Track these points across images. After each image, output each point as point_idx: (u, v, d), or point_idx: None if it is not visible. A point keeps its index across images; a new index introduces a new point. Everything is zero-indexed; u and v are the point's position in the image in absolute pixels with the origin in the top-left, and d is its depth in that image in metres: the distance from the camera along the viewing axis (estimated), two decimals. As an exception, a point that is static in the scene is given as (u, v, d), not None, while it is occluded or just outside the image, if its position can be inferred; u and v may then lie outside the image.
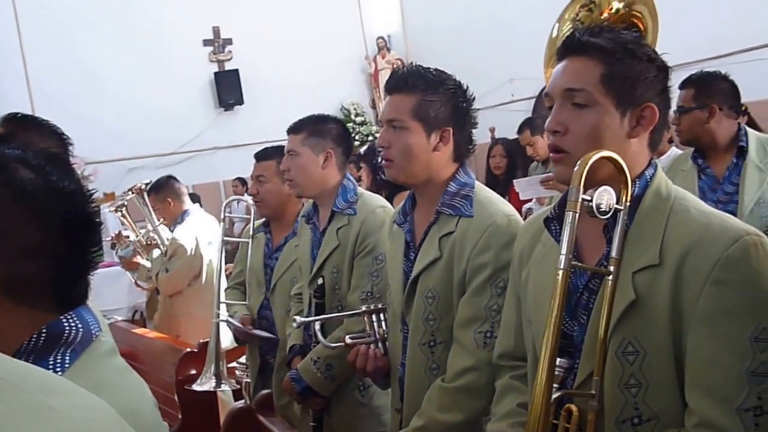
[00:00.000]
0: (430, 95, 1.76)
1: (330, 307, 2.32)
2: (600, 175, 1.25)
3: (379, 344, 1.98)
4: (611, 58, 1.28)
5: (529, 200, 4.16)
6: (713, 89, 2.96)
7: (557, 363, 1.31)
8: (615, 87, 1.28)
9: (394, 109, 1.79)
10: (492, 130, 7.05)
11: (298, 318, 2.16)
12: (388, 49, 10.57)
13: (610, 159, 1.23)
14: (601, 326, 1.23)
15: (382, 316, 2.01)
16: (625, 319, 1.23)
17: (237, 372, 3.36)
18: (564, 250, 1.19)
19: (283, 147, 2.51)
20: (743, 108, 3.14)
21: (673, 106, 3.61)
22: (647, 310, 1.22)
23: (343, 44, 10.40)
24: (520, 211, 3.30)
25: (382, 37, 10.61)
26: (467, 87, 1.84)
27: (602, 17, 3.66)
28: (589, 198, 1.21)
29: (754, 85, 4.60)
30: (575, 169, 1.21)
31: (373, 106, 10.83)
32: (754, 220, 2.62)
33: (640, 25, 3.51)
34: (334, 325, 2.30)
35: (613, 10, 3.60)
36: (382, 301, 2.06)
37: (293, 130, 2.44)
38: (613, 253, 1.25)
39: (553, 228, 1.39)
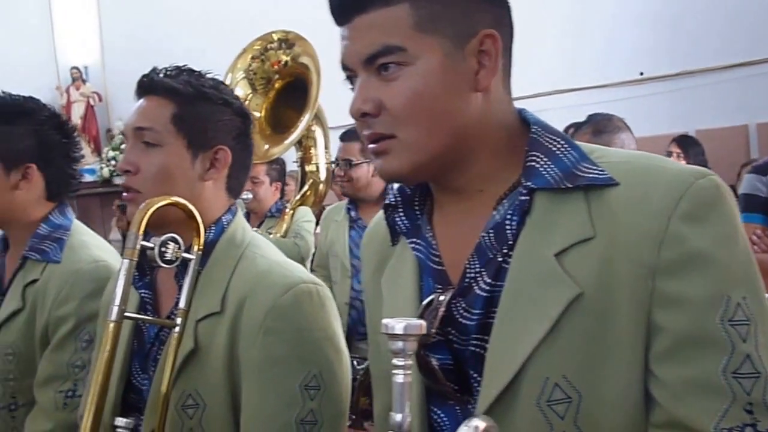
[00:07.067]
0: (9, 126, 1.59)
1: None
2: (171, 218, 1.21)
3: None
4: (183, 100, 1.26)
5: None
6: None
7: (121, 423, 1.23)
8: (185, 128, 1.26)
9: None
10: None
11: None
12: (83, 81, 9.84)
13: (178, 205, 1.19)
14: (163, 379, 1.17)
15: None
16: (185, 370, 1.18)
17: None
18: (117, 301, 1.10)
19: None
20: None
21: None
22: (206, 361, 1.18)
23: (33, 72, 9.39)
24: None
25: (76, 68, 9.85)
26: (67, 119, 1.70)
27: (274, 69, 3.78)
28: (151, 246, 1.15)
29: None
30: (136, 214, 1.14)
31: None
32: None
33: (307, 76, 3.67)
34: None
35: (282, 63, 3.74)
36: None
37: None
38: (181, 304, 1.20)
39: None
